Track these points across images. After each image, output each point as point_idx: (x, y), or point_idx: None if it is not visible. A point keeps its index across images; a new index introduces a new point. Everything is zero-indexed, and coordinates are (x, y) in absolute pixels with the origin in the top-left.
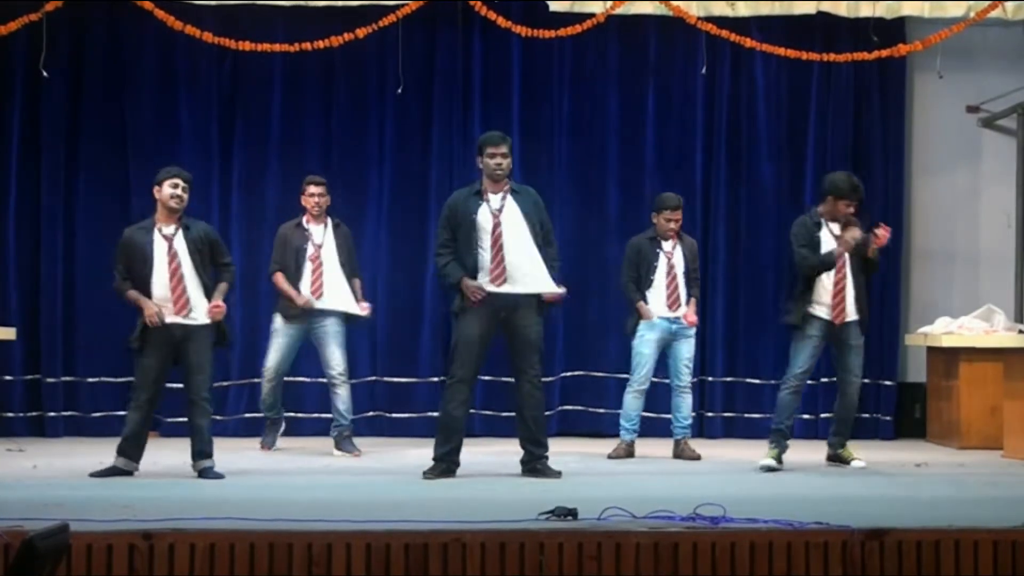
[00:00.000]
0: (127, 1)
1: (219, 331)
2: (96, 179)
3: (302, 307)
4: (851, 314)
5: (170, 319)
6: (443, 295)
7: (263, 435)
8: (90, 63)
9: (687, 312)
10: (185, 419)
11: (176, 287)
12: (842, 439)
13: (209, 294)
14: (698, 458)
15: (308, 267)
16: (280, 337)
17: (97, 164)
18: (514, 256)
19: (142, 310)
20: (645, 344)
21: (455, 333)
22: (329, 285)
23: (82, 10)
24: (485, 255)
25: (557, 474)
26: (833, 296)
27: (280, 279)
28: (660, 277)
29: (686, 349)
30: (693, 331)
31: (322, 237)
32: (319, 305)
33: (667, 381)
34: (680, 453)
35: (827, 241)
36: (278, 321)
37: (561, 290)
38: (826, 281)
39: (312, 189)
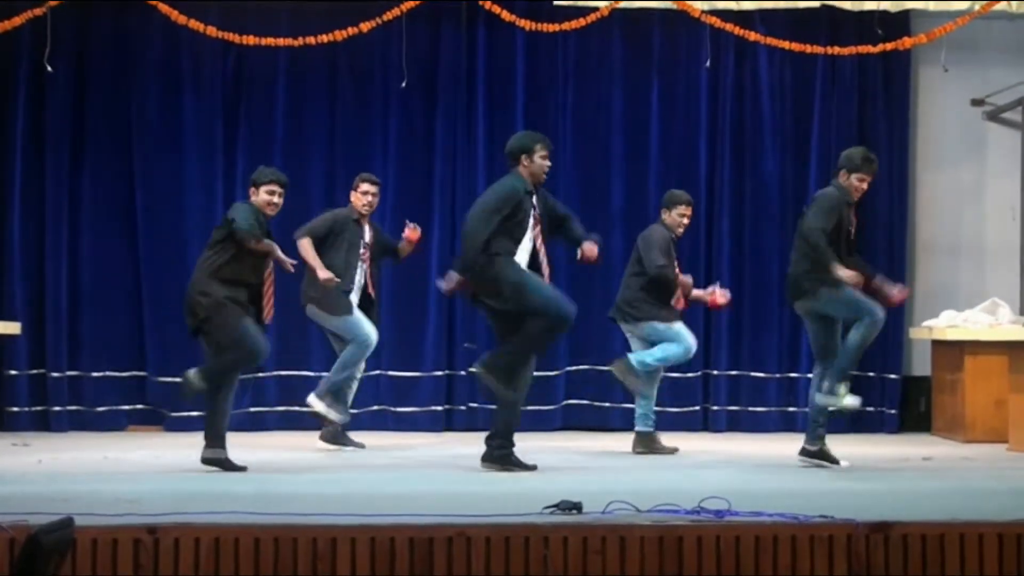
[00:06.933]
0: None
1: None
2: (101, 174)
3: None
4: None
5: None
6: None
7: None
8: (94, 58)
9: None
10: (189, 413)
11: None
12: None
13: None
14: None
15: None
16: None
17: (102, 159)
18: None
19: None
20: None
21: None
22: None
23: (86, 5)
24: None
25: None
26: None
27: None
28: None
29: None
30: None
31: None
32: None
33: (674, 375)
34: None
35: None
36: None
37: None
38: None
39: (365, 187)
